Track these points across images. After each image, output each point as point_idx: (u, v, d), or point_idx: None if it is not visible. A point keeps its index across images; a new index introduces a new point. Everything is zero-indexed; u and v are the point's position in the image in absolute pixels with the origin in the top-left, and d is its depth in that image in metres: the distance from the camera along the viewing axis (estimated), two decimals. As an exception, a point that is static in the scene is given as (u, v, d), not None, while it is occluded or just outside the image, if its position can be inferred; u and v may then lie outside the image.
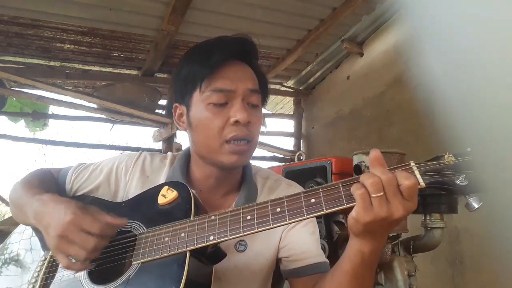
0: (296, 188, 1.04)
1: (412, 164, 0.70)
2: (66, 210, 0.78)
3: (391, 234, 1.56)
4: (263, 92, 0.97)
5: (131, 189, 0.97)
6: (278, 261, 0.98)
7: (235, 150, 0.88)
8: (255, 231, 0.73)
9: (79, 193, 0.99)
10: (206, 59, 0.88)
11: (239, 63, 0.92)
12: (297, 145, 3.91)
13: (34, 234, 0.96)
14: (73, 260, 0.77)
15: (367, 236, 0.71)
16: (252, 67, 0.95)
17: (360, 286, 0.78)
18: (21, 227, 1.01)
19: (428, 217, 1.54)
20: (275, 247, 0.95)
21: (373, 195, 0.66)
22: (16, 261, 0.93)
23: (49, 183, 0.97)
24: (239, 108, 0.87)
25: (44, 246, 0.92)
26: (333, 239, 1.64)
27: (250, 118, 0.88)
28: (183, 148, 1.07)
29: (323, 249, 1.53)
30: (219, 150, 0.89)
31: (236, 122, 0.86)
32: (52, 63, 3.05)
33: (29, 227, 0.97)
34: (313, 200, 0.71)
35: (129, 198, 0.94)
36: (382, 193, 0.66)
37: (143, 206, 0.88)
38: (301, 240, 0.94)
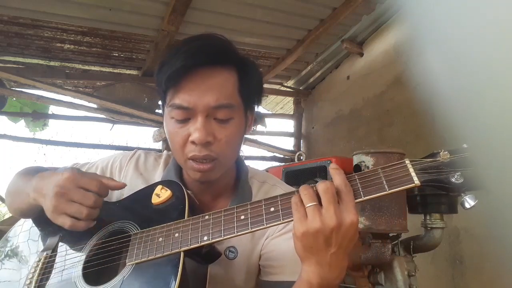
0: None
1: (407, 161, 0.69)
2: (64, 172, 0.80)
3: (391, 234, 1.56)
4: (249, 88, 0.88)
5: (125, 187, 0.96)
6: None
7: (196, 169, 0.85)
8: (249, 231, 0.72)
9: None
10: (169, 69, 0.81)
11: (206, 71, 0.82)
12: (297, 145, 3.92)
13: (33, 224, 0.96)
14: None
15: (310, 258, 0.69)
16: (227, 63, 0.85)
17: None
18: (21, 220, 1.00)
19: (428, 217, 1.54)
20: (259, 253, 0.92)
21: (306, 205, 0.67)
22: (15, 254, 0.93)
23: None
24: (197, 128, 0.81)
25: (43, 238, 0.92)
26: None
27: (213, 136, 0.82)
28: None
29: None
30: (183, 165, 0.88)
31: (193, 142, 0.82)
32: (52, 63, 3.05)
33: (29, 220, 0.97)
34: None
35: (124, 197, 0.94)
36: (315, 203, 0.66)
37: (137, 206, 0.87)
38: (281, 253, 0.89)
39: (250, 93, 0.89)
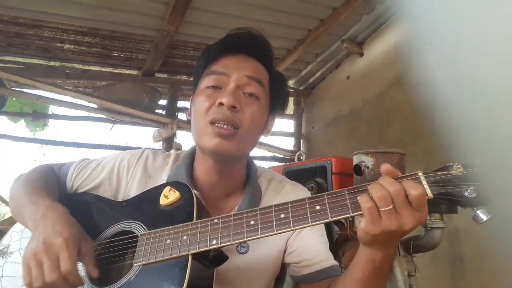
0: (300, 189, 1.03)
1: (420, 174, 0.68)
2: (63, 230, 0.76)
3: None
4: (276, 93, 0.96)
5: (132, 188, 0.95)
6: (285, 265, 0.96)
7: (217, 132, 0.84)
8: (258, 236, 0.72)
9: (80, 191, 0.98)
10: (213, 46, 0.93)
11: (245, 56, 0.93)
12: (297, 145, 3.91)
13: None
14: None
15: (377, 245, 0.71)
16: (263, 62, 0.96)
17: None
18: (19, 225, 1.00)
19: (428, 217, 1.54)
20: (279, 252, 0.94)
21: (381, 209, 0.65)
22: (15, 261, 0.92)
23: (50, 183, 0.96)
24: (228, 92, 0.86)
25: None
26: (333, 239, 1.64)
27: (240, 105, 0.86)
28: (183, 148, 1.07)
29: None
30: (203, 131, 0.87)
31: (221, 104, 0.85)
32: (52, 63, 3.05)
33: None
34: (318, 207, 0.70)
35: (131, 197, 0.93)
36: (391, 207, 0.65)
37: (145, 206, 0.87)
38: (311, 245, 0.92)
39: (278, 97, 0.97)
